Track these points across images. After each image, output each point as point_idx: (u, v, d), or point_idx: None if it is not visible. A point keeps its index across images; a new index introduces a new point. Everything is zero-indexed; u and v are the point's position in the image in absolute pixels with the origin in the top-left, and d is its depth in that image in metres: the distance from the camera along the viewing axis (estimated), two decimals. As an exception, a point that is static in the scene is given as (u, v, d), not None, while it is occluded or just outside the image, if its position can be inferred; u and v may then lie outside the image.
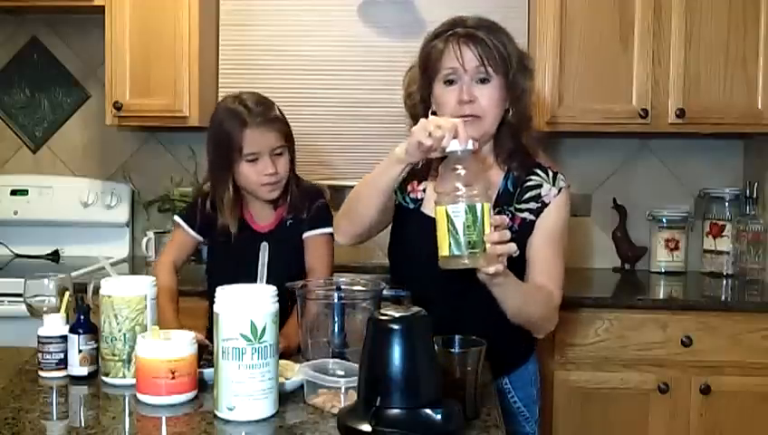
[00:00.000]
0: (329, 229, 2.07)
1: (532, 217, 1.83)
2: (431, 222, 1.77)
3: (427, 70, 1.82)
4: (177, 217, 2.21)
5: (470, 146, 1.54)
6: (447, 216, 1.49)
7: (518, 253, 1.61)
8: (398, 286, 1.77)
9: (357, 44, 3.17)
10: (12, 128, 3.38)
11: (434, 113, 1.83)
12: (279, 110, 2.09)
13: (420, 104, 1.86)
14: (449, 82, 1.79)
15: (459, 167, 1.52)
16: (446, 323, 1.45)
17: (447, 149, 1.55)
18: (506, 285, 1.66)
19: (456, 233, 1.49)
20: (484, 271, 1.55)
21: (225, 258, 2.14)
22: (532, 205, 1.83)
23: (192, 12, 2.93)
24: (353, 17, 3.18)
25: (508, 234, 1.56)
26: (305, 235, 2.11)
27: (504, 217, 1.64)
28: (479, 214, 1.49)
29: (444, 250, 1.51)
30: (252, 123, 2.00)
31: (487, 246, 1.51)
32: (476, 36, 1.76)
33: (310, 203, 2.12)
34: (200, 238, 2.18)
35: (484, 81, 1.77)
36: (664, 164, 3.19)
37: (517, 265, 1.81)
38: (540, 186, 1.84)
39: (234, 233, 2.09)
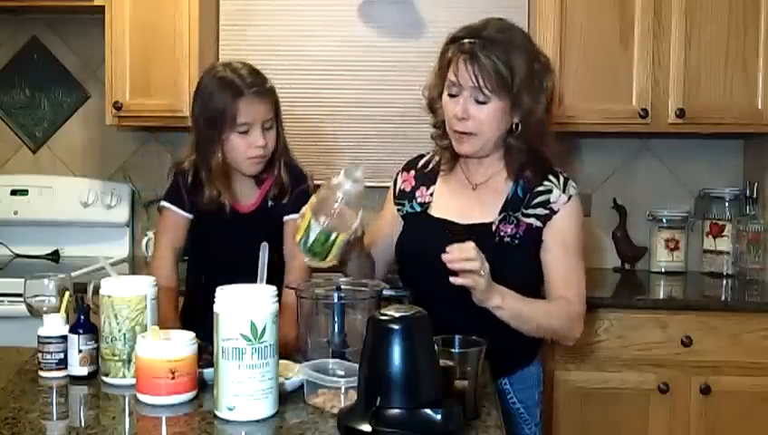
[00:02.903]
0: None
1: (539, 224, 1.83)
2: (438, 223, 1.79)
3: (440, 72, 1.85)
4: (164, 203, 2.13)
5: (360, 187, 1.65)
6: (309, 225, 1.65)
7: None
8: (397, 286, 1.77)
9: (357, 44, 3.16)
10: (12, 128, 3.38)
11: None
12: (270, 82, 2.07)
13: (438, 99, 1.88)
14: (452, 95, 1.80)
15: (340, 196, 1.64)
16: (447, 324, 1.45)
17: (334, 181, 1.68)
18: (508, 310, 1.72)
19: (307, 240, 1.65)
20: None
21: (206, 237, 2.10)
22: (540, 211, 1.83)
23: (192, 12, 2.93)
24: (353, 17, 3.17)
25: (468, 265, 1.63)
26: (286, 217, 2.07)
27: (471, 244, 1.65)
28: (331, 241, 1.64)
29: (296, 238, 1.68)
30: (247, 93, 1.97)
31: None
32: (477, 56, 1.74)
33: (294, 186, 2.09)
34: (190, 216, 2.11)
35: (481, 101, 1.77)
36: (664, 164, 3.19)
37: (526, 273, 1.82)
38: (549, 191, 1.84)
39: (227, 203, 2.05)
